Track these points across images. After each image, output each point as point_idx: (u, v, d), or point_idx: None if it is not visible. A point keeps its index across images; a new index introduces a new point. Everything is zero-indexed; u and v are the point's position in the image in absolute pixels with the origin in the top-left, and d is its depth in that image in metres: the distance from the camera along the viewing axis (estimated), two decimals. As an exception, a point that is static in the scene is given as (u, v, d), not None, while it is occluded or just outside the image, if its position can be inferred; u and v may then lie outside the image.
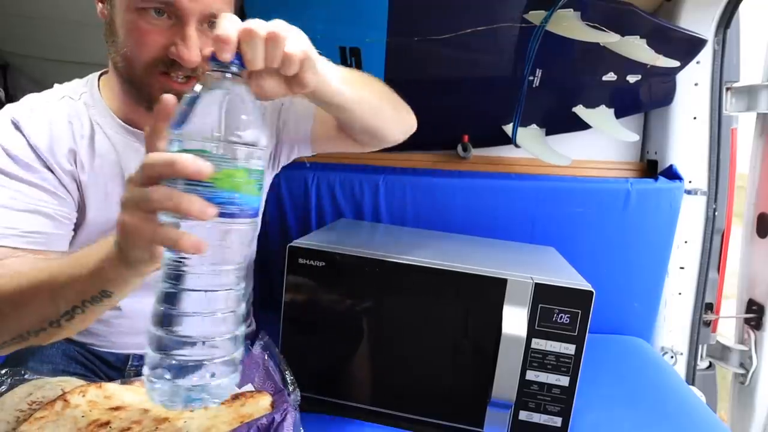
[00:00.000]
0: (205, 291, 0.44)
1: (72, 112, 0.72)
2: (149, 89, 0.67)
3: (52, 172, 0.69)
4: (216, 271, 0.44)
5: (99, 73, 0.78)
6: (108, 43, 0.69)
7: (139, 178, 0.43)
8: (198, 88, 0.43)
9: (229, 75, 0.44)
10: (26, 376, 0.65)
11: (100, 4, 0.69)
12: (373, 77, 0.73)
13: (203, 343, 0.44)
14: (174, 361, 0.43)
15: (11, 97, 1.49)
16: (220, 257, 0.44)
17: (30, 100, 0.73)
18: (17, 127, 0.68)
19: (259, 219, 0.44)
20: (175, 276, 0.44)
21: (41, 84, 0.78)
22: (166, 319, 0.43)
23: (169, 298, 0.43)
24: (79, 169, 0.71)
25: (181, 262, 0.43)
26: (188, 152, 0.41)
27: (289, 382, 0.66)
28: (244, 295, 0.84)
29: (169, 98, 0.45)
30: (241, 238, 0.44)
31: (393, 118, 0.75)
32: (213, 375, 0.45)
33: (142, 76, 0.66)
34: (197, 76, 0.67)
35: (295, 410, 0.59)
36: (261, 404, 0.61)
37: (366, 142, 0.78)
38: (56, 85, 0.76)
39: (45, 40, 1.30)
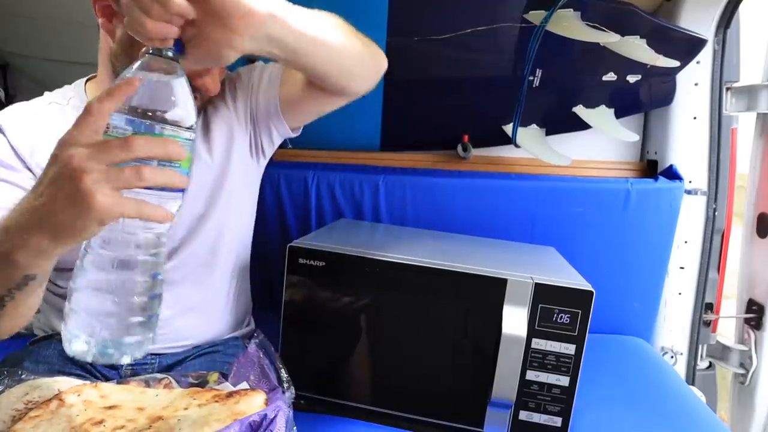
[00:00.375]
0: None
1: (59, 117, 0.74)
2: None
3: (33, 173, 0.70)
4: (138, 236, 0.48)
5: (86, 78, 0.80)
6: (112, 57, 0.70)
7: (113, 157, 0.43)
8: (149, 74, 0.46)
9: (169, 57, 0.47)
10: (23, 377, 0.65)
11: (108, 24, 0.69)
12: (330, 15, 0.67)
13: (116, 301, 0.47)
14: (90, 316, 0.46)
15: (11, 98, 1.49)
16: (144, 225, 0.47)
17: (16, 106, 0.75)
18: (0, 131, 0.70)
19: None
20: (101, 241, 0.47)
21: (42, 84, 0.78)
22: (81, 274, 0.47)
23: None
24: None
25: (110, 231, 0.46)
26: (142, 134, 0.44)
27: (284, 380, 0.67)
28: (240, 294, 0.84)
29: (136, 80, 0.45)
30: (171, 209, 0.48)
31: (363, 53, 0.70)
32: (127, 333, 0.47)
33: None
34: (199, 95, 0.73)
35: (288, 408, 0.59)
36: (255, 402, 0.61)
37: (339, 89, 0.73)
38: (46, 93, 0.78)
39: (45, 40, 1.29)
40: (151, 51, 0.46)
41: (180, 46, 0.48)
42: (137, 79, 0.45)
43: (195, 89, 0.67)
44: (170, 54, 0.47)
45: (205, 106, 0.82)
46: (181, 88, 0.47)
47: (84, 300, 0.47)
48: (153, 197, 0.45)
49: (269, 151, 0.90)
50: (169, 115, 0.45)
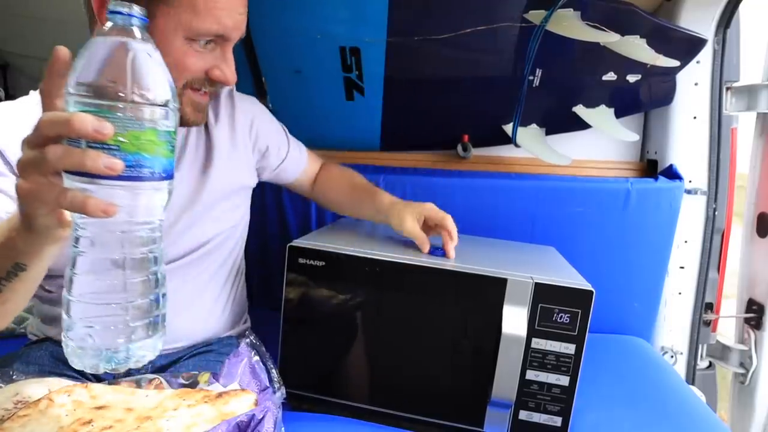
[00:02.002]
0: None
1: None
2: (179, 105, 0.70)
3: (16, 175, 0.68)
4: (127, 233, 0.43)
5: None
6: None
7: (34, 139, 0.41)
8: (100, 40, 0.40)
9: (134, 27, 0.41)
10: (14, 377, 0.65)
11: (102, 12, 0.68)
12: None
13: (117, 305, 0.43)
14: (91, 325, 0.42)
15: (11, 97, 1.48)
16: (129, 220, 0.43)
17: (2, 105, 0.72)
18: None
19: (173, 182, 0.45)
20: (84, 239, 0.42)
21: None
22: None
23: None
24: None
25: (87, 227, 0.42)
26: (90, 113, 0.38)
27: (275, 380, 0.67)
28: (235, 293, 0.82)
29: (61, 51, 0.41)
30: (151, 201, 0.43)
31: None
32: (133, 337, 0.44)
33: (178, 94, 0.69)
34: (213, 90, 0.71)
35: (278, 408, 0.59)
36: (244, 402, 0.61)
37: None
38: (31, 92, 0.75)
39: (45, 41, 1.29)
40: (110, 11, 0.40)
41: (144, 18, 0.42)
42: (61, 49, 0.40)
43: (212, 82, 0.69)
44: (130, 20, 0.41)
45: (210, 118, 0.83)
46: (138, 57, 0.40)
47: (82, 309, 0.43)
48: (118, 188, 0.40)
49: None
50: (119, 88, 0.39)
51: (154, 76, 0.41)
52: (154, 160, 0.41)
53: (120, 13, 0.40)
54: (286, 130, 0.98)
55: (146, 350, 0.45)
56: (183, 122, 0.72)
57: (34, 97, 0.75)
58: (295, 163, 0.98)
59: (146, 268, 0.45)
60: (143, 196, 0.42)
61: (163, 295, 0.47)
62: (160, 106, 0.41)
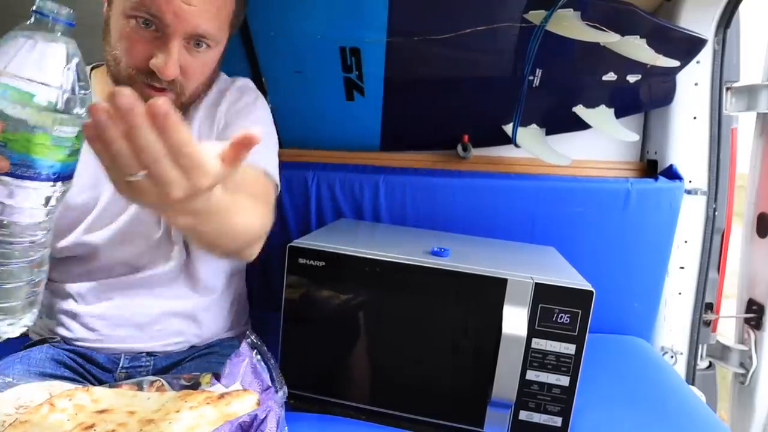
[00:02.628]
0: None
1: None
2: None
3: None
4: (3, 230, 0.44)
5: (92, 65, 0.81)
6: (103, 41, 0.72)
7: None
8: (12, 35, 0.41)
9: (55, 26, 0.42)
10: (14, 381, 0.65)
11: (105, 4, 0.71)
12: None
13: None
14: None
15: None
16: (7, 215, 0.44)
17: None
18: None
19: (69, 182, 0.46)
20: None
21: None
22: None
23: None
24: None
25: None
26: None
27: (276, 380, 0.67)
28: (236, 294, 0.81)
29: None
30: (33, 199, 0.44)
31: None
32: None
33: (125, 79, 0.70)
34: (174, 89, 0.71)
35: (280, 408, 0.59)
36: (246, 403, 0.61)
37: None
38: None
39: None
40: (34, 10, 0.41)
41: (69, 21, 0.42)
42: None
43: (150, 73, 0.68)
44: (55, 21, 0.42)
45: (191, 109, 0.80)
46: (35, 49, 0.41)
47: None
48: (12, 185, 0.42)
49: None
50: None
51: (50, 80, 0.41)
52: (41, 161, 0.42)
53: (41, 13, 0.42)
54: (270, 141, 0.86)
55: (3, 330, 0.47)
56: None
57: None
58: None
59: (10, 258, 0.46)
60: (22, 194, 0.43)
61: (33, 281, 0.48)
62: (50, 111, 0.41)
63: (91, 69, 0.80)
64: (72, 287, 0.79)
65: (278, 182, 0.79)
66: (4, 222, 0.44)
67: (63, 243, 0.77)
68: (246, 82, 0.87)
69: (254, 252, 0.69)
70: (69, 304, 0.79)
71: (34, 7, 0.41)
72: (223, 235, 0.57)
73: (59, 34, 0.42)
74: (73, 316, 0.79)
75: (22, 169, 0.41)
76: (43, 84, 0.41)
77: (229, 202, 0.52)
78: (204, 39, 0.69)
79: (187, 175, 0.39)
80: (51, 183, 0.44)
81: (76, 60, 0.43)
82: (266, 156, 0.78)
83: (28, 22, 0.41)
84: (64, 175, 0.45)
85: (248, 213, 0.61)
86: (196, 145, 0.39)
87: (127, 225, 0.78)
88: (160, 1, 0.64)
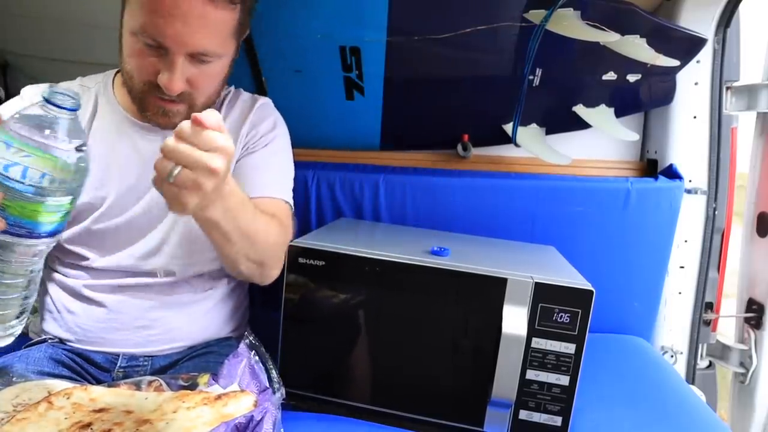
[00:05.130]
0: None
1: (81, 95, 0.75)
2: (144, 104, 0.76)
3: None
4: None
5: (116, 70, 0.84)
6: (119, 54, 0.75)
7: None
8: (24, 116, 0.47)
9: (63, 113, 0.48)
10: (13, 379, 0.65)
11: (120, 19, 0.74)
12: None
13: None
14: None
15: (11, 97, 1.49)
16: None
17: (38, 86, 0.81)
18: (21, 97, 0.80)
19: (55, 237, 0.52)
20: None
21: (41, 83, 0.78)
22: None
23: None
24: None
25: None
26: None
27: (274, 380, 0.67)
28: (234, 294, 0.83)
29: None
30: (22, 251, 0.50)
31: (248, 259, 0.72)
32: None
33: (138, 92, 0.74)
34: (185, 100, 0.74)
35: (277, 409, 0.59)
36: (243, 404, 0.61)
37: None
38: (22, 90, 0.83)
39: (45, 40, 1.29)
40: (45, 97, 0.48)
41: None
42: None
43: (156, 87, 0.72)
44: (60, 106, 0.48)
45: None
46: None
47: None
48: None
49: None
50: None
51: (43, 163, 0.47)
52: (32, 224, 0.49)
53: (50, 102, 0.47)
54: (284, 159, 0.89)
55: None
56: (156, 125, 0.78)
57: (78, 81, 0.83)
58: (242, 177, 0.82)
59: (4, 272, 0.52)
60: (18, 247, 0.50)
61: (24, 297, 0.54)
62: (39, 187, 0.47)
63: (115, 73, 0.84)
64: (72, 288, 0.80)
65: (293, 205, 0.86)
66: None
67: (63, 243, 0.77)
68: (266, 102, 0.91)
69: (273, 272, 0.77)
70: (69, 305, 0.79)
71: (44, 95, 0.47)
72: (243, 238, 0.66)
73: (64, 118, 0.48)
74: (73, 316, 0.79)
75: (16, 229, 0.49)
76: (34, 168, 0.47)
77: (245, 198, 0.65)
78: (206, 56, 0.71)
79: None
80: (41, 239, 0.50)
81: (78, 142, 0.49)
82: (283, 185, 0.85)
83: (36, 103, 0.47)
84: (53, 232, 0.51)
85: (265, 221, 0.71)
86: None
87: (128, 226, 0.78)
88: (160, 26, 0.67)
